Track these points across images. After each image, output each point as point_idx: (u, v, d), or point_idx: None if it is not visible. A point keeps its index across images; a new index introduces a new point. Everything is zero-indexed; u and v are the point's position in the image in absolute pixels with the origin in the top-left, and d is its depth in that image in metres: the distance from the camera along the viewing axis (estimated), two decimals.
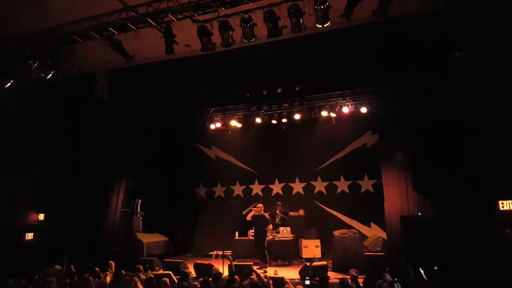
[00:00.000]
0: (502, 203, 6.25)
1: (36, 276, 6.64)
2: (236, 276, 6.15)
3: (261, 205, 9.56)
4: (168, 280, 6.01)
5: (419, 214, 7.66)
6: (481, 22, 6.48)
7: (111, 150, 10.26)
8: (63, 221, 9.64)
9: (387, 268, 7.83)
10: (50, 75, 8.52)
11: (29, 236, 9.47)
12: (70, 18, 7.77)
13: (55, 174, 9.80)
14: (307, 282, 5.31)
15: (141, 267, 7.62)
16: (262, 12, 6.93)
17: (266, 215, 9.46)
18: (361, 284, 6.04)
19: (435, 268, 5.96)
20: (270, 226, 9.38)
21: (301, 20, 6.84)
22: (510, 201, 6.23)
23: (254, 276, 6.01)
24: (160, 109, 10.97)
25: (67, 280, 6.62)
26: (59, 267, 7.44)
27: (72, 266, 7.46)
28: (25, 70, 8.32)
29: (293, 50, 8.14)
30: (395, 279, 5.41)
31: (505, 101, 6.24)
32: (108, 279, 6.86)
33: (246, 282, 5.87)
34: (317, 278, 5.94)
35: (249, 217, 9.50)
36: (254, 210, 9.47)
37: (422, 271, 5.61)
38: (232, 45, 7.52)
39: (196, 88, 9.51)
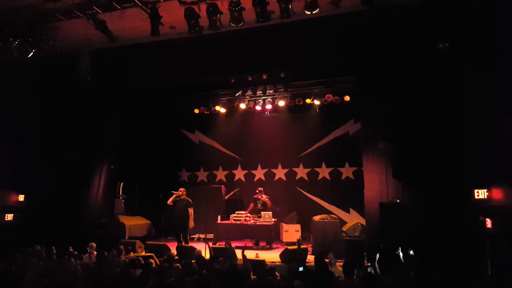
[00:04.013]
0: (477, 192, 6.47)
1: (18, 255, 6.57)
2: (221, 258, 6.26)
3: (183, 189, 9.60)
4: (153, 261, 6.07)
5: (398, 201, 7.90)
6: (466, 15, 6.62)
7: (93, 132, 10.12)
8: (44, 202, 9.50)
9: (365, 253, 8.17)
10: (31, 53, 8.27)
11: (9, 217, 9.31)
12: None
13: (36, 155, 9.60)
14: (301, 269, 5.43)
15: (121, 247, 7.61)
16: None
17: (188, 198, 9.46)
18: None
19: (411, 251, 6.19)
20: (191, 210, 9.30)
21: (289, 6, 6.85)
22: (484, 190, 6.46)
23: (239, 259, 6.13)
24: (144, 92, 10.83)
25: (48, 261, 6.57)
26: (39, 248, 7.37)
27: (53, 247, 7.39)
28: (5, 48, 8.05)
29: (280, 35, 8.13)
30: (376, 262, 5.60)
31: (485, 93, 6.43)
32: (92, 260, 6.85)
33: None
34: None
35: (169, 201, 9.47)
36: (176, 193, 9.44)
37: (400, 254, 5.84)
38: (220, 29, 7.47)
39: (180, 71, 9.39)
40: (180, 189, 9.60)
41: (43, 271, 5.32)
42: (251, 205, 10.92)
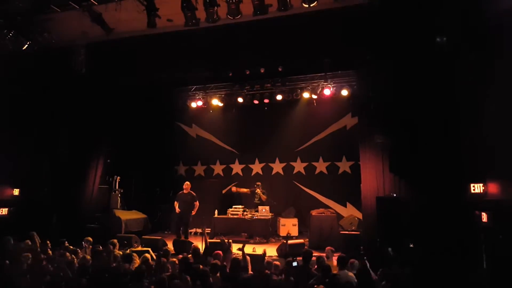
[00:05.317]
0: (473, 186, 6.47)
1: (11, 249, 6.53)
2: (219, 252, 6.26)
3: (188, 183, 9.73)
4: (149, 256, 6.04)
5: (394, 195, 7.90)
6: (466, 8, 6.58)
7: (89, 125, 10.05)
8: (39, 197, 9.45)
9: (361, 247, 8.17)
10: (26, 46, 8.17)
11: (3, 211, 9.26)
12: None
13: (31, 149, 9.53)
14: (295, 264, 5.45)
15: (115, 241, 7.57)
16: None
17: (193, 192, 9.60)
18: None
19: (411, 245, 6.20)
20: (197, 203, 9.45)
21: None
22: (480, 184, 6.46)
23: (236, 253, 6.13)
24: (140, 85, 10.75)
25: (42, 256, 6.52)
26: (29, 243, 7.31)
27: (48, 241, 7.36)
28: None
29: (277, 29, 8.05)
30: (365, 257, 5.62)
31: (483, 87, 6.41)
32: (87, 255, 6.81)
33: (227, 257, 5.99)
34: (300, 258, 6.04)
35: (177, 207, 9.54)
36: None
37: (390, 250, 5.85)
38: (217, 22, 7.40)
39: (177, 64, 9.32)
40: (186, 183, 9.70)
41: (37, 266, 5.27)
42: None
